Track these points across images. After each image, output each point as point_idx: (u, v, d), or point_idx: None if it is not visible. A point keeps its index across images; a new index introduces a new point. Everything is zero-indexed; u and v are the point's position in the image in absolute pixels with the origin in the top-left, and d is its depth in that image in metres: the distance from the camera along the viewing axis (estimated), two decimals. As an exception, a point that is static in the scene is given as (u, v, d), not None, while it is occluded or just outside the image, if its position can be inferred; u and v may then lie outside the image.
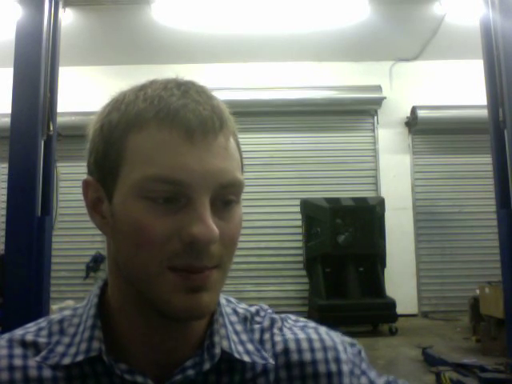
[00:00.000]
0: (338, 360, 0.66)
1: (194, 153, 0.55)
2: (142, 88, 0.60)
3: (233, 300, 0.71)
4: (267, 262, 7.31)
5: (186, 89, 0.59)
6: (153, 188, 0.55)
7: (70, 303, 5.41)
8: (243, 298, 5.72)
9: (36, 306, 3.07)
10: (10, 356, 0.61)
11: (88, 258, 7.32)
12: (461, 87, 7.41)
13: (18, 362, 0.61)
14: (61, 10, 3.57)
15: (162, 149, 0.55)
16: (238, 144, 0.62)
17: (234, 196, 0.59)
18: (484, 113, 3.74)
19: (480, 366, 4.16)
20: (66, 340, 0.63)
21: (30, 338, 0.64)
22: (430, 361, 4.67)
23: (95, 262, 7.33)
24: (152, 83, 0.61)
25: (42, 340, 0.64)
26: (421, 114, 7.37)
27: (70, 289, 7.20)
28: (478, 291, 5.68)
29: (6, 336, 0.65)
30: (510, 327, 3.49)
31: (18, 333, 0.65)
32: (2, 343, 0.63)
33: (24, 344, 0.63)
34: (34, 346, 0.63)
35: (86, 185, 0.62)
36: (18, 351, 0.62)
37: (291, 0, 5.90)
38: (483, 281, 5.69)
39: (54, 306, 4.56)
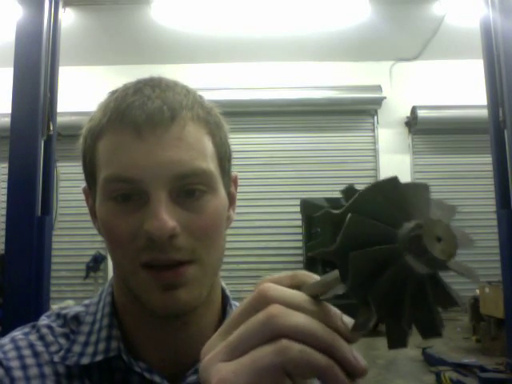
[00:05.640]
0: None
1: (143, 148, 0.56)
2: (113, 93, 0.62)
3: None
4: (267, 261, 7.30)
5: (143, 86, 0.59)
6: (111, 188, 0.57)
7: (70, 303, 5.41)
8: (243, 298, 5.66)
9: (36, 306, 3.07)
10: (32, 345, 0.62)
11: (88, 258, 7.32)
12: (461, 87, 7.41)
13: (30, 361, 0.62)
14: (61, 10, 3.56)
15: (117, 149, 0.57)
16: (211, 132, 0.61)
17: (203, 185, 0.58)
18: (484, 113, 3.73)
19: (480, 366, 4.17)
20: (82, 338, 0.63)
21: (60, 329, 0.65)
22: (430, 361, 4.66)
23: (95, 262, 7.32)
24: (123, 87, 0.62)
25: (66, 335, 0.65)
26: (421, 113, 7.37)
27: (70, 289, 7.20)
28: (477, 291, 5.68)
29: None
30: (510, 327, 3.49)
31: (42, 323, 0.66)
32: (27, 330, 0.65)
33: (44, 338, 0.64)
34: (66, 337, 0.64)
35: (84, 192, 0.66)
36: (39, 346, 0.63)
37: (292, 0, 5.90)
38: (483, 281, 5.68)
39: (54, 306, 4.56)
